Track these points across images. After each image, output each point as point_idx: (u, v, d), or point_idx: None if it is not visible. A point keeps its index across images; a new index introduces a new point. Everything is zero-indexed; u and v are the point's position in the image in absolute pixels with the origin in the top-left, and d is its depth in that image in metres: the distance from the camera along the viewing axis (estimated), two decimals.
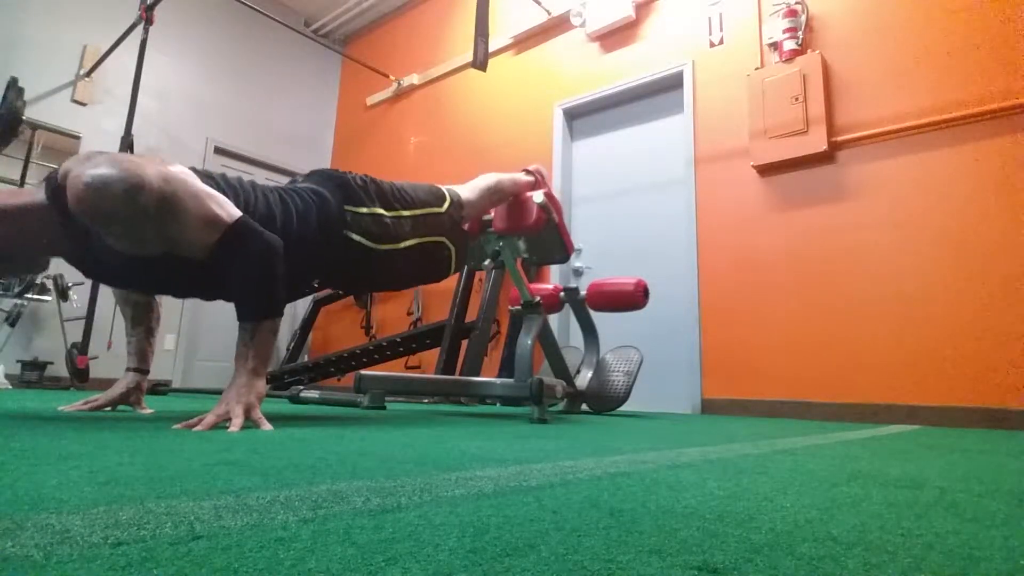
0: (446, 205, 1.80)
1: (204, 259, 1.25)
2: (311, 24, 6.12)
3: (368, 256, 1.60)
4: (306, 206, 1.50)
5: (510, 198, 2.12)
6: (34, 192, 1.22)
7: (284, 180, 6.39)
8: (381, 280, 1.81)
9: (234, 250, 1.24)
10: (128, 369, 1.59)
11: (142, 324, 1.61)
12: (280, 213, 1.43)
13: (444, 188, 1.85)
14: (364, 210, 1.61)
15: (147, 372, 1.60)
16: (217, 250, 1.23)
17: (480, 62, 3.68)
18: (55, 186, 1.19)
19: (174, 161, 1.30)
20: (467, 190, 1.92)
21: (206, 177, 1.34)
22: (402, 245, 1.66)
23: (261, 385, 1.26)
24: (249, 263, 1.26)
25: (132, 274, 1.34)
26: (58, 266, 4.16)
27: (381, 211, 1.65)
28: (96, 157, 1.16)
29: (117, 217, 1.13)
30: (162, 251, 1.24)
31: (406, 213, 1.70)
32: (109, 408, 1.55)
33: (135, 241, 1.20)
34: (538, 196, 2.08)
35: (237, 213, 1.26)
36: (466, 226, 1.92)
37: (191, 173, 1.27)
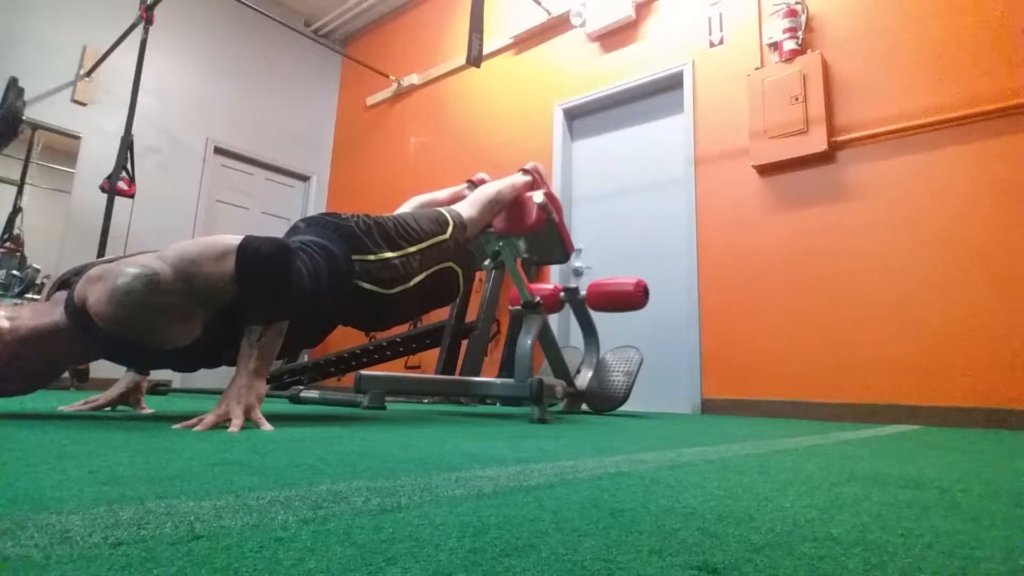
0: (450, 230, 1.81)
1: (234, 293, 1.26)
2: (311, 24, 6.12)
3: (380, 301, 1.62)
4: (315, 265, 1.49)
5: (510, 201, 2.12)
6: (50, 311, 1.24)
7: (284, 180, 6.36)
8: (394, 319, 1.79)
9: (250, 262, 1.26)
10: (129, 369, 1.59)
11: None
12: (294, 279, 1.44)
13: (446, 212, 1.85)
14: (372, 257, 1.62)
15: (147, 373, 1.60)
16: (238, 272, 1.25)
17: (475, 58, 3.68)
18: (75, 311, 1.21)
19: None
20: (468, 207, 1.92)
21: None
22: (413, 283, 1.68)
23: (261, 386, 1.26)
24: (261, 267, 1.27)
25: (178, 357, 1.34)
26: (58, 266, 4.16)
27: (389, 254, 1.65)
28: (103, 275, 1.19)
29: (152, 314, 1.18)
30: (208, 316, 1.26)
31: (413, 249, 1.70)
32: (109, 408, 1.55)
33: (179, 325, 1.23)
34: (538, 196, 2.08)
35: (239, 237, 1.29)
36: (470, 244, 1.93)
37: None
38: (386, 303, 1.63)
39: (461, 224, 1.85)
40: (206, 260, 1.24)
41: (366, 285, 1.58)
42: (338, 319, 1.62)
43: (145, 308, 1.16)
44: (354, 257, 1.59)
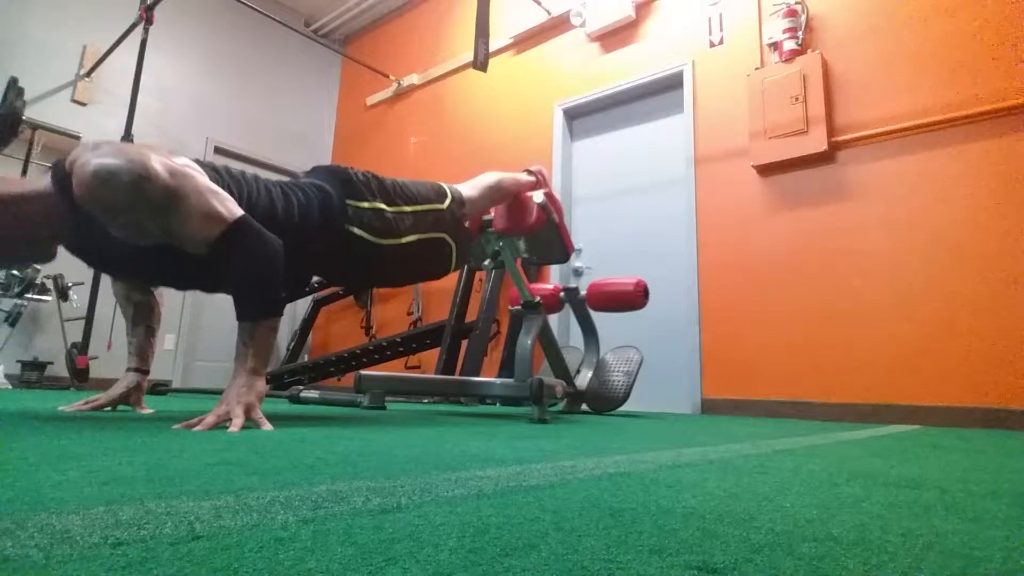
0: (447, 202, 1.80)
1: (203, 254, 1.25)
2: (311, 24, 6.12)
3: (369, 251, 1.60)
4: (308, 200, 1.50)
5: (511, 197, 2.12)
6: (37, 180, 1.23)
7: (284, 179, 6.40)
8: (382, 275, 1.82)
9: (233, 248, 1.24)
10: (128, 369, 1.59)
11: (143, 324, 1.61)
12: (282, 207, 1.44)
13: (446, 186, 1.86)
14: (366, 204, 1.62)
15: (147, 372, 1.60)
16: (216, 246, 1.24)
17: (481, 63, 3.68)
18: (61, 174, 1.20)
19: (180, 153, 1.31)
20: (469, 188, 1.92)
21: (210, 170, 1.36)
22: (403, 240, 1.66)
23: (261, 385, 1.26)
24: (248, 262, 1.25)
25: (134, 264, 1.36)
26: (58, 266, 4.16)
27: (383, 206, 1.65)
28: (104, 146, 1.17)
29: (121, 207, 1.15)
30: (163, 242, 1.25)
31: (408, 209, 1.70)
32: (109, 408, 1.55)
33: (138, 231, 1.22)
34: (538, 196, 2.08)
35: (239, 212, 1.27)
36: (467, 223, 1.92)
37: (196, 167, 1.29)
38: (375, 254, 1.61)
39: (460, 200, 1.85)
40: (197, 209, 1.21)
41: (356, 231, 1.57)
42: (324, 265, 1.61)
43: (118, 194, 1.13)
44: (348, 201, 1.59)
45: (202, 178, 1.26)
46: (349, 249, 1.58)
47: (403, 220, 1.68)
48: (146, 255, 1.30)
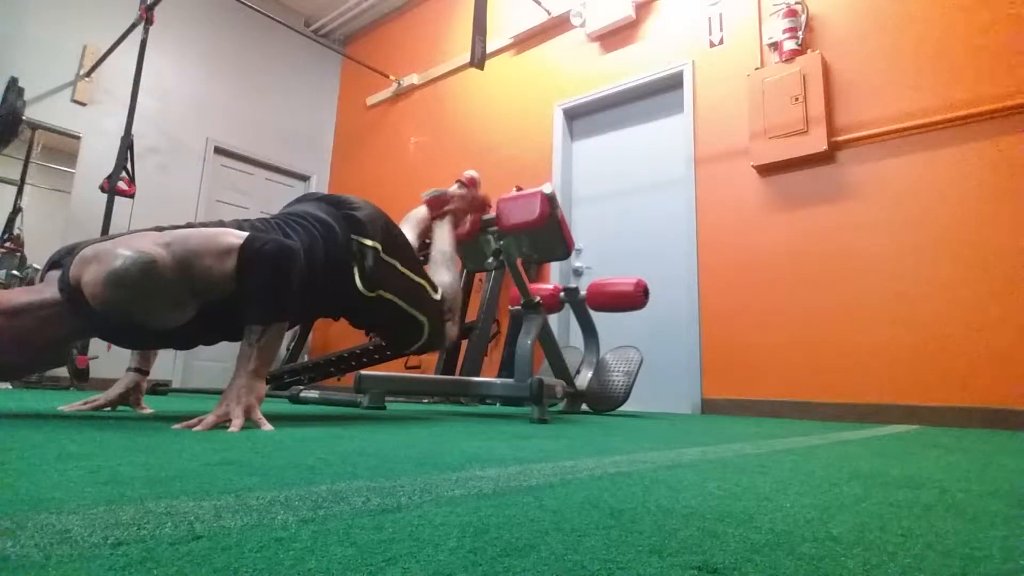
0: (438, 295, 1.80)
1: (231, 291, 1.28)
2: (311, 24, 6.12)
3: (351, 290, 1.58)
4: (311, 239, 1.49)
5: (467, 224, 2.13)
6: (43, 289, 1.23)
7: (284, 180, 6.37)
8: (353, 316, 1.74)
9: (251, 263, 1.26)
10: (129, 369, 1.59)
11: None
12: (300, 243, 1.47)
13: (439, 288, 1.85)
14: (368, 242, 1.61)
15: (147, 373, 1.60)
16: (239, 273, 1.26)
17: (478, 60, 3.68)
18: (69, 290, 1.20)
19: (161, 229, 1.33)
20: (442, 276, 1.91)
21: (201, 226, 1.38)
22: (387, 296, 1.64)
23: (261, 387, 1.26)
24: (264, 269, 1.27)
25: (177, 336, 1.37)
26: None
27: (380, 249, 1.63)
28: (98, 255, 1.18)
29: (146, 298, 1.18)
30: (199, 305, 1.28)
31: (401, 268, 1.68)
32: (109, 408, 1.55)
33: (173, 311, 1.24)
34: (547, 187, 2.08)
35: (244, 234, 1.30)
36: (451, 328, 1.88)
37: (183, 229, 1.33)
38: (354, 295, 1.59)
39: (448, 305, 1.84)
40: (208, 254, 1.24)
41: (355, 269, 1.57)
42: (321, 306, 1.61)
43: (140, 291, 1.16)
44: (352, 236, 1.58)
45: (192, 230, 1.28)
46: (345, 289, 1.57)
47: (392, 276, 1.66)
48: (180, 330, 1.31)
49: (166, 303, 1.22)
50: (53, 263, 1.30)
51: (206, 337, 1.44)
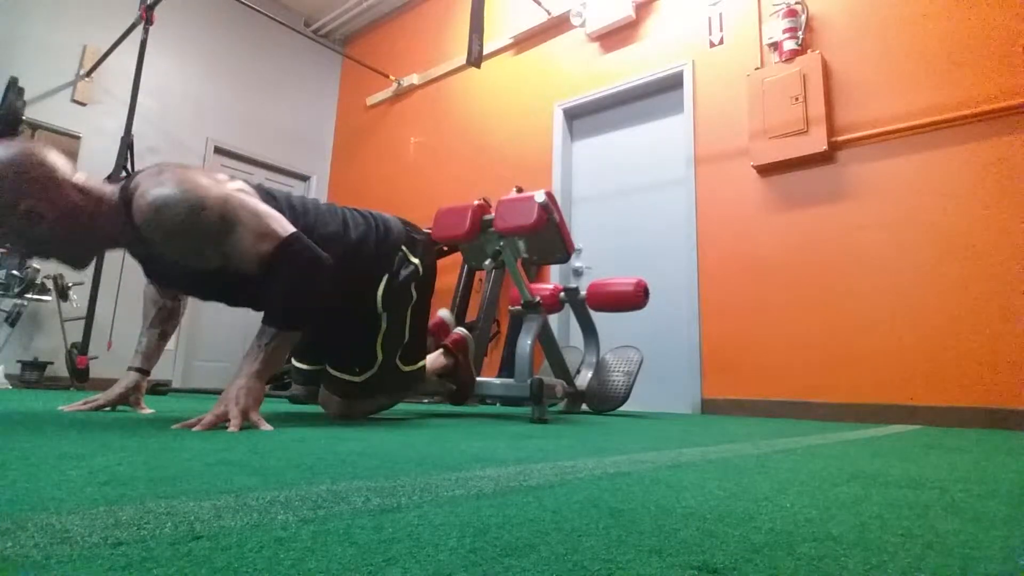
0: (408, 368, 1.77)
1: (256, 271, 1.29)
2: (311, 24, 6.12)
3: (365, 297, 1.63)
4: (368, 230, 1.60)
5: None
6: (107, 187, 1.28)
7: (284, 180, 6.37)
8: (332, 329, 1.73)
9: (283, 261, 1.28)
10: (130, 368, 1.59)
11: (159, 328, 1.62)
12: (352, 228, 1.58)
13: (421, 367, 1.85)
14: (414, 260, 1.70)
15: (148, 373, 1.60)
16: (270, 261, 1.28)
17: (475, 58, 3.68)
18: (127, 192, 1.25)
19: (236, 177, 1.37)
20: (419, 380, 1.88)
21: (267, 195, 1.43)
22: (404, 328, 1.69)
23: (260, 388, 1.26)
24: (293, 273, 1.29)
25: (189, 281, 1.41)
26: (58, 266, 4.16)
27: (419, 268, 1.71)
28: (164, 174, 1.23)
29: (177, 235, 1.21)
30: (218, 265, 1.30)
31: (412, 307, 1.72)
32: (108, 408, 1.55)
33: (194, 255, 1.27)
34: (539, 195, 2.08)
35: (291, 229, 1.31)
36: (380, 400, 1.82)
37: (251, 191, 1.36)
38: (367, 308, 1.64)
39: (404, 378, 1.78)
40: (250, 230, 1.27)
41: (384, 279, 1.64)
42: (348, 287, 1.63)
43: (173, 225, 1.19)
44: (404, 247, 1.69)
45: (253, 200, 1.31)
46: (362, 285, 1.62)
47: (402, 304, 1.70)
48: (202, 274, 1.35)
49: (192, 247, 1.25)
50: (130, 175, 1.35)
51: (227, 297, 1.47)
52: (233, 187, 1.29)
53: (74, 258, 1.29)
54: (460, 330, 2.13)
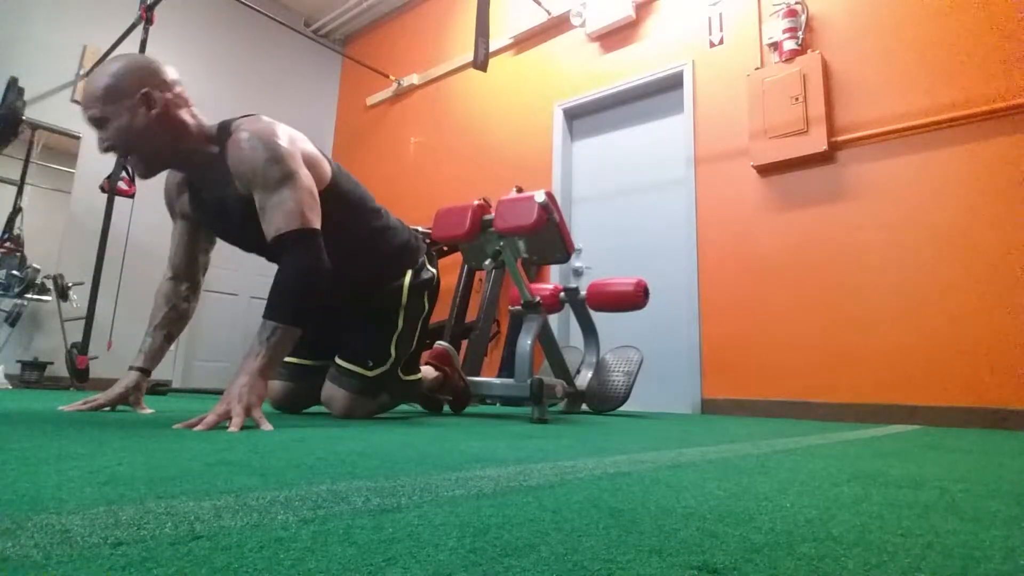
0: (410, 377, 1.90)
1: (268, 237, 1.39)
2: (311, 24, 6.12)
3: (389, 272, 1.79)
4: (402, 228, 1.81)
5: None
6: (211, 125, 1.50)
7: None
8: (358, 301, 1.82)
9: (292, 248, 1.37)
10: (131, 368, 1.58)
11: (165, 328, 1.62)
12: (388, 216, 1.78)
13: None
14: (432, 268, 1.86)
15: (149, 373, 1.60)
16: (280, 239, 1.37)
17: (481, 62, 3.68)
18: (227, 128, 1.46)
19: (323, 152, 1.56)
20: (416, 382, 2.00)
21: (346, 177, 1.67)
22: (398, 316, 1.78)
23: (263, 386, 1.27)
24: (297, 268, 1.35)
25: (239, 227, 1.53)
26: (58, 266, 4.16)
27: (435, 277, 1.88)
28: (263, 122, 1.43)
29: (256, 171, 1.38)
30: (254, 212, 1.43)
31: (420, 318, 1.85)
32: (108, 408, 1.55)
33: (245, 188, 1.41)
34: (539, 195, 2.08)
35: (316, 225, 1.41)
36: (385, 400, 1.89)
37: (325, 164, 1.57)
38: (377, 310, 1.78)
39: (404, 384, 1.90)
40: (288, 200, 1.38)
41: (392, 283, 1.78)
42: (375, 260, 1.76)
43: (248, 161, 1.38)
44: (421, 259, 1.86)
45: (309, 183, 1.43)
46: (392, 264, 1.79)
47: (416, 311, 1.83)
48: (240, 215, 1.47)
49: (249, 182, 1.39)
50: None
51: (265, 252, 1.59)
52: (312, 155, 1.50)
53: (152, 159, 1.41)
54: (440, 344, 2.21)
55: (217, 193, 1.49)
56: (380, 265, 1.76)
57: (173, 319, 1.63)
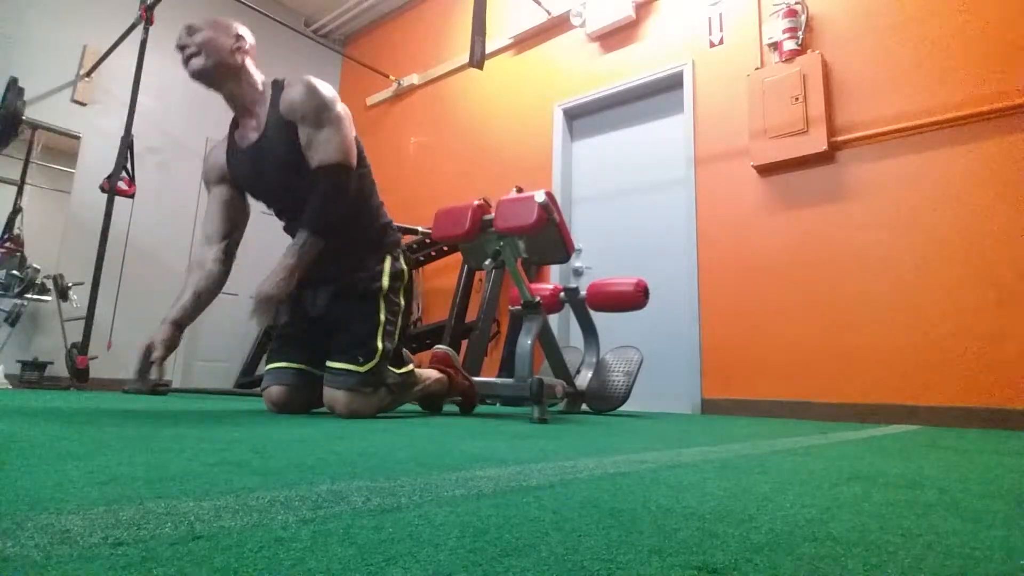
0: (402, 369, 1.91)
1: (312, 167, 1.65)
2: (311, 24, 6.12)
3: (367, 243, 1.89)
4: (377, 211, 1.91)
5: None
6: (265, 83, 1.80)
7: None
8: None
9: (334, 176, 1.65)
10: (164, 321, 1.63)
11: (194, 288, 1.72)
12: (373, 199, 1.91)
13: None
14: (401, 266, 1.91)
15: (182, 329, 1.66)
16: (325, 169, 1.64)
17: (477, 61, 3.67)
18: (279, 83, 1.75)
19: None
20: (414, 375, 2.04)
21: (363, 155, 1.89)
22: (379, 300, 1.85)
23: (289, 280, 1.58)
24: (336, 191, 1.65)
25: (263, 163, 1.72)
26: (58, 266, 4.16)
27: (404, 274, 1.92)
28: (321, 80, 1.72)
29: (310, 108, 1.65)
30: (301, 155, 1.67)
31: (399, 309, 1.90)
32: (162, 360, 1.59)
33: (304, 130, 1.66)
34: (539, 195, 2.08)
35: (354, 166, 1.71)
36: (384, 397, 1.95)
37: (357, 146, 1.82)
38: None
39: (393, 376, 1.94)
40: (340, 136, 1.67)
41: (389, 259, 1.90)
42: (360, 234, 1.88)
43: (310, 100, 1.66)
44: (399, 251, 1.96)
45: (352, 135, 1.73)
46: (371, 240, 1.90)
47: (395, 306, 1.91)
48: (274, 158, 1.69)
49: (310, 121, 1.66)
50: None
51: (288, 209, 1.81)
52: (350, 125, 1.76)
53: (214, 69, 1.68)
54: (440, 347, 2.26)
55: (254, 137, 1.73)
56: (371, 238, 1.86)
57: (202, 280, 1.73)
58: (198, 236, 1.85)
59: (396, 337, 1.84)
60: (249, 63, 1.77)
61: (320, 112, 1.65)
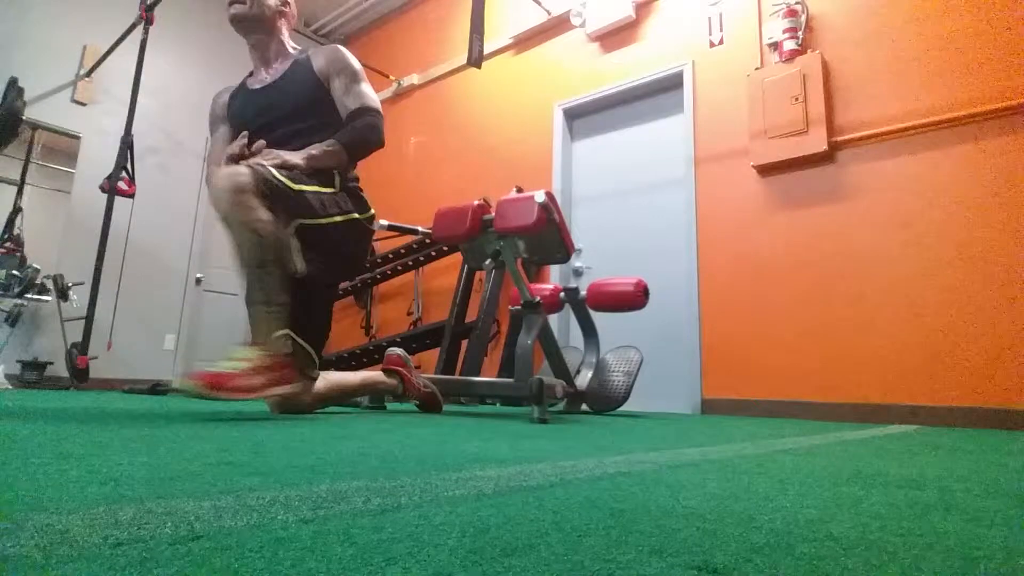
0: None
1: (342, 108, 1.89)
2: (311, 24, 6.12)
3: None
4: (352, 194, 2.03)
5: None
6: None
7: None
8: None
9: (364, 117, 1.88)
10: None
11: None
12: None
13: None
14: (362, 248, 2.04)
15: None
16: (362, 108, 1.88)
17: (475, 60, 3.67)
18: (305, 50, 1.97)
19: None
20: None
21: None
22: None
23: (296, 163, 1.65)
24: (365, 127, 1.86)
25: (279, 97, 1.88)
26: (58, 266, 4.16)
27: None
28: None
29: (347, 65, 1.96)
30: (311, 102, 1.87)
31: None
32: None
33: (341, 81, 1.93)
34: (539, 196, 2.08)
35: (375, 118, 1.93)
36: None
37: None
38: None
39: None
40: (366, 86, 1.97)
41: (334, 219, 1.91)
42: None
43: (345, 57, 1.99)
44: (370, 229, 2.11)
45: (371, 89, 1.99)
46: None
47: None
48: (294, 96, 1.87)
49: (341, 73, 1.95)
50: None
51: (291, 122, 1.93)
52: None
53: (256, 19, 1.88)
54: (393, 349, 2.30)
55: (268, 79, 1.91)
56: (343, 184, 1.94)
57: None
58: (209, 165, 1.98)
59: (325, 312, 1.96)
60: (285, 27, 1.95)
61: (357, 72, 1.93)
